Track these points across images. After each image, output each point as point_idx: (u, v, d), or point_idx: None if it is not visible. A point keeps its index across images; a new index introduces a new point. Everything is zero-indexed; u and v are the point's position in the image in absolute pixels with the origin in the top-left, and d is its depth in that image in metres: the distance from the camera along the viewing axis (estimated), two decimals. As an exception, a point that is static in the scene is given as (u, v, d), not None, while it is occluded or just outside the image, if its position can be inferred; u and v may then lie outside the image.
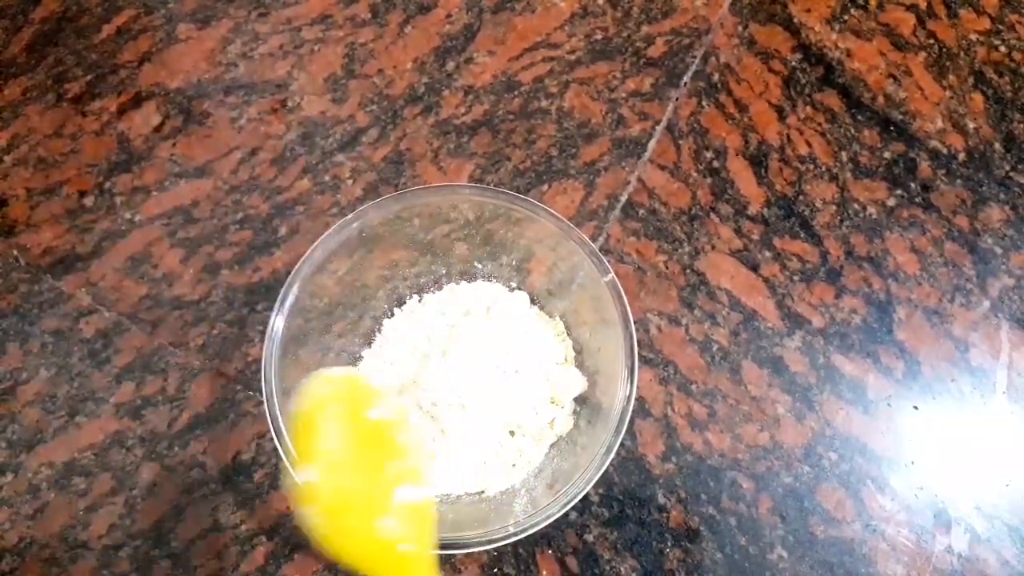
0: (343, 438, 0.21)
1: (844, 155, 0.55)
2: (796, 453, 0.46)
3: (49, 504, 0.44)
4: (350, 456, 0.21)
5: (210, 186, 0.54)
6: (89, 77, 0.57)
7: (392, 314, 0.48)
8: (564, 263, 0.45)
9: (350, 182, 0.54)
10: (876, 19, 0.61)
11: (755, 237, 0.52)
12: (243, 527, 0.44)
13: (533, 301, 0.48)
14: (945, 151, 0.56)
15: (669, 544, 0.44)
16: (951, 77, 0.58)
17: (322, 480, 0.22)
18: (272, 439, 0.38)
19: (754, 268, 0.51)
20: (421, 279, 0.48)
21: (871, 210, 0.53)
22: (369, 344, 0.47)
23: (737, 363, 0.48)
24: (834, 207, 0.53)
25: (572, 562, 0.43)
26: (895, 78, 0.58)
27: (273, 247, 0.52)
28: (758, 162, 0.55)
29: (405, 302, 0.48)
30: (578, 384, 0.45)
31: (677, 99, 0.57)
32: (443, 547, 0.36)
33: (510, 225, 0.46)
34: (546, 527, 0.37)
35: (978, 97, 0.58)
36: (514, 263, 0.48)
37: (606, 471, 0.38)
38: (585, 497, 0.39)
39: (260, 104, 0.57)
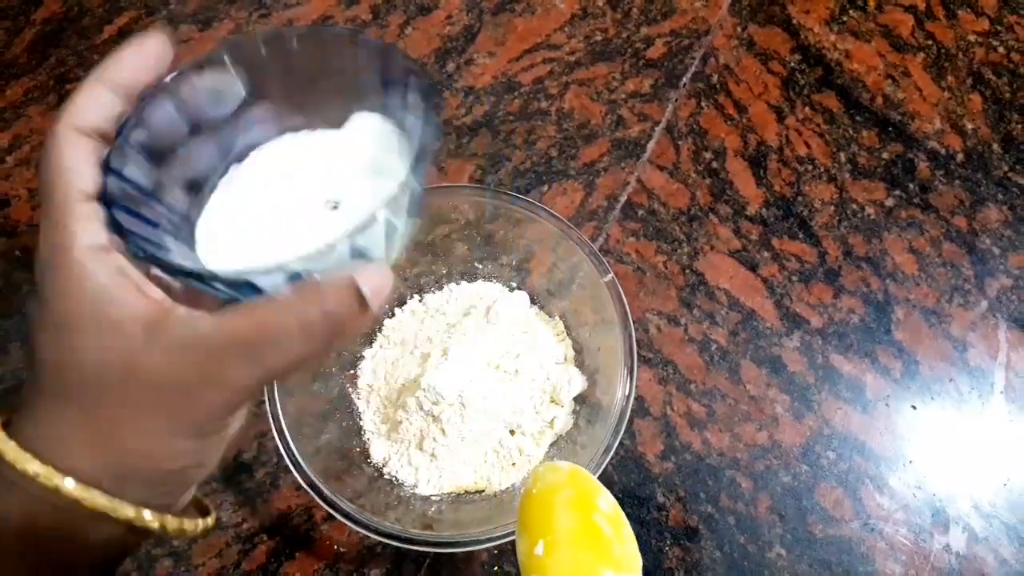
0: (570, 522, 0.24)
1: (843, 156, 0.55)
2: (795, 452, 0.46)
3: (51, 503, 0.44)
4: (574, 538, 0.24)
5: (211, 186, 0.54)
6: (91, 78, 0.58)
7: (392, 314, 0.48)
8: (564, 263, 0.46)
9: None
10: (875, 20, 0.61)
11: (754, 237, 0.52)
12: (244, 525, 0.44)
13: (533, 301, 0.49)
14: (943, 152, 0.56)
15: (668, 543, 0.44)
16: (949, 78, 0.59)
17: (547, 556, 0.25)
18: (273, 438, 0.38)
19: (753, 268, 0.52)
20: (421, 279, 0.49)
21: (869, 210, 0.54)
22: (370, 344, 0.47)
23: (736, 363, 0.49)
24: (832, 207, 0.54)
25: (572, 561, 0.44)
26: (894, 79, 0.58)
27: (274, 247, 0.52)
28: (757, 163, 0.55)
29: (405, 302, 0.48)
30: (578, 383, 0.45)
31: (676, 100, 0.57)
32: (443, 546, 0.37)
33: (510, 225, 0.46)
34: (546, 526, 0.37)
35: (976, 98, 0.58)
36: (514, 263, 0.48)
37: (605, 470, 0.39)
38: (585, 496, 0.39)
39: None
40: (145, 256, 0.19)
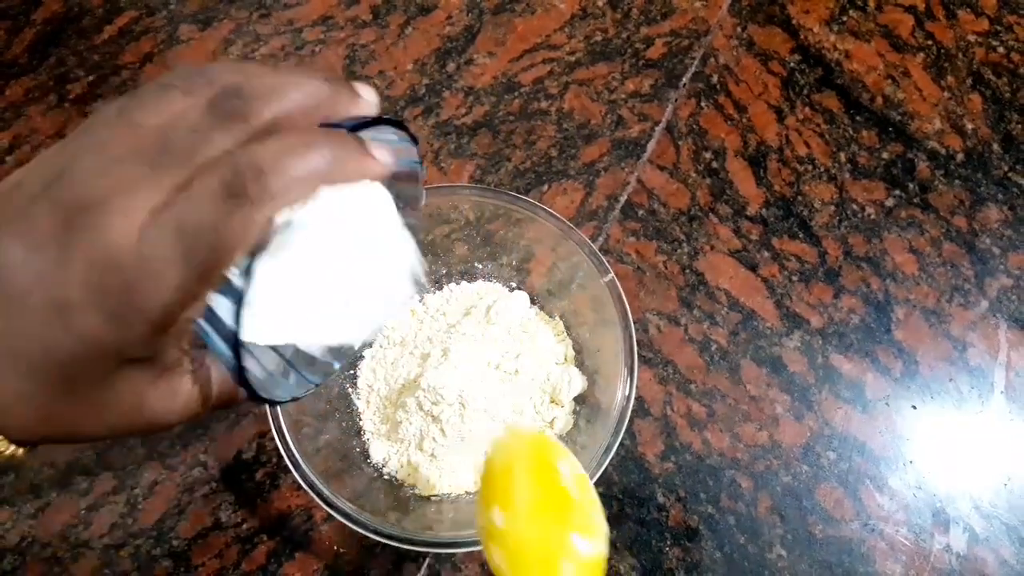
0: (530, 490, 0.23)
1: (843, 156, 0.55)
2: (795, 452, 0.46)
3: (51, 503, 0.44)
4: (535, 507, 0.23)
5: (211, 187, 0.54)
6: (91, 78, 0.58)
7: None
8: (564, 263, 0.46)
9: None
10: (875, 20, 0.61)
11: (754, 237, 0.52)
12: (244, 526, 0.44)
13: (533, 301, 0.48)
14: (943, 152, 0.56)
15: (668, 543, 0.44)
16: (949, 78, 0.59)
17: (507, 525, 0.23)
18: (273, 438, 0.38)
19: (753, 268, 0.51)
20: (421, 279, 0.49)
21: (869, 210, 0.54)
22: (370, 344, 0.47)
23: (736, 363, 0.49)
24: (833, 207, 0.54)
25: (572, 561, 0.43)
26: (893, 79, 0.59)
27: (274, 247, 0.52)
28: (757, 163, 0.55)
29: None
30: (578, 384, 0.45)
31: (676, 100, 0.57)
32: (443, 546, 0.37)
33: (510, 225, 0.46)
34: (546, 526, 0.37)
35: (976, 98, 0.58)
36: (514, 263, 0.48)
37: (605, 470, 0.38)
38: (585, 496, 0.39)
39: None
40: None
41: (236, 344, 0.19)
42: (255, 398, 0.21)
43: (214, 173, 0.17)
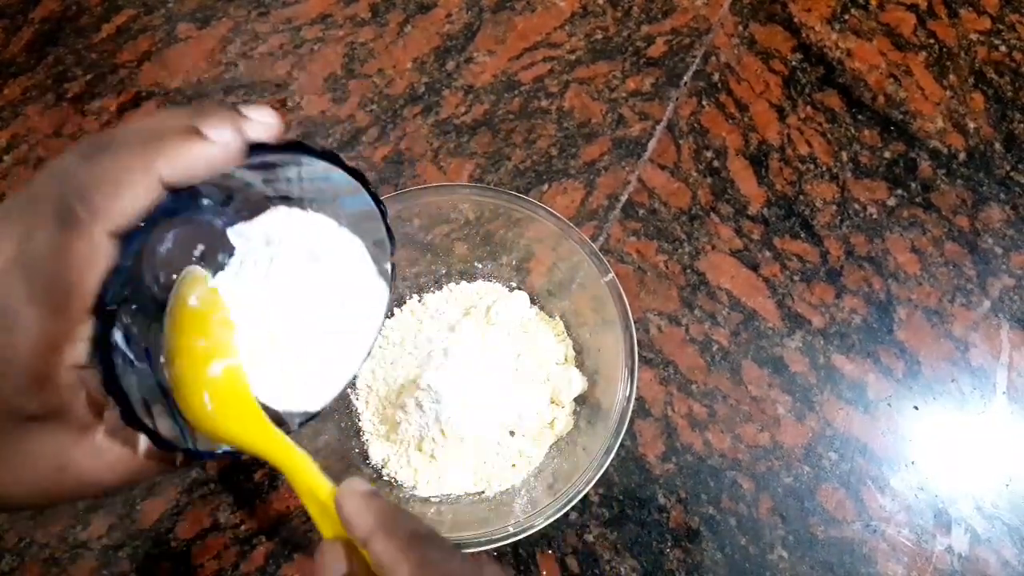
0: (173, 327, 0.22)
1: (844, 155, 0.55)
2: (796, 453, 0.46)
3: (49, 504, 0.44)
4: (178, 342, 0.23)
5: (210, 186, 0.54)
6: (89, 77, 0.57)
7: (392, 314, 0.48)
8: (564, 263, 0.45)
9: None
10: (876, 19, 0.61)
11: (755, 237, 0.52)
12: (243, 527, 0.44)
13: (533, 301, 0.48)
14: (945, 151, 0.56)
15: (669, 544, 0.44)
16: (951, 77, 0.58)
17: (166, 365, 0.23)
18: (272, 439, 0.38)
19: (754, 268, 0.51)
20: (421, 279, 0.48)
21: (871, 210, 0.53)
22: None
23: (737, 363, 0.48)
24: (834, 207, 0.53)
25: (572, 562, 0.43)
26: (895, 78, 0.58)
27: (273, 247, 0.52)
28: (758, 162, 0.55)
29: (405, 302, 0.48)
30: (578, 384, 0.45)
31: (677, 99, 0.57)
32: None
33: (510, 225, 0.46)
34: (546, 527, 0.37)
35: (978, 97, 0.58)
36: (514, 263, 0.48)
37: (606, 471, 0.38)
38: (585, 497, 0.39)
39: (260, 104, 0.56)
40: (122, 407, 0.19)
41: (119, 392, 0.19)
42: (189, 453, 0.21)
43: (45, 206, 0.17)
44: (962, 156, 0.55)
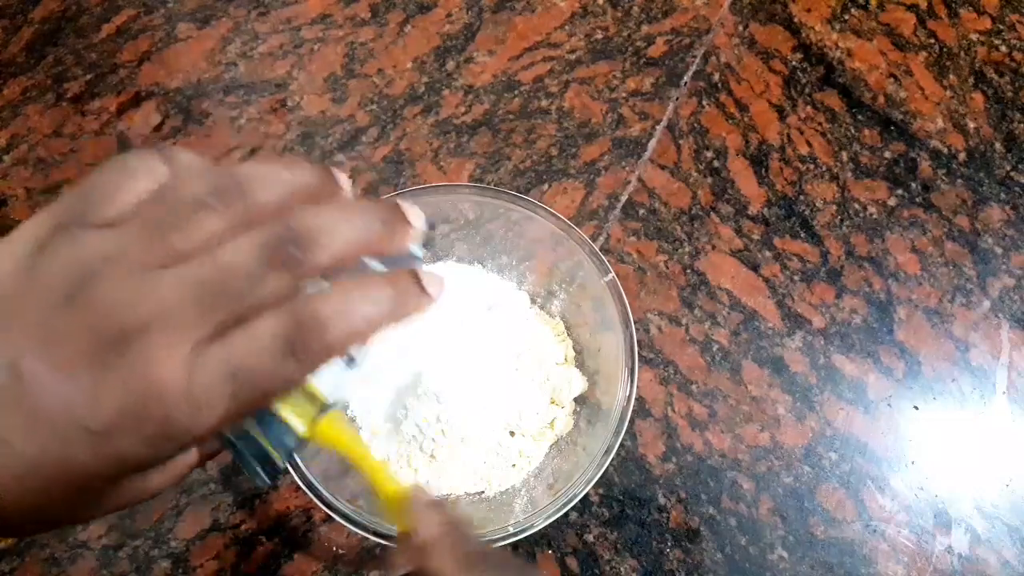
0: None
1: (844, 155, 0.55)
2: (796, 453, 0.46)
3: (49, 504, 0.44)
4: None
5: (210, 186, 0.53)
6: (89, 77, 0.57)
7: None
8: (564, 263, 0.45)
9: (350, 182, 0.54)
10: (876, 19, 0.61)
11: (756, 237, 0.52)
12: (243, 527, 0.44)
13: (533, 301, 0.48)
14: (945, 151, 0.56)
15: (669, 544, 0.44)
16: (951, 77, 0.58)
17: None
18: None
19: (755, 268, 0.51)
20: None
21: (872, 210, 0.53)
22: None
23: (737, 363, 0.48)
24: (835, 207, 0.53)
25: (572, 562, 0.43)
26: (896, 78, 0.58)
27: (273, 247, 0.52)
28: (759, 162, 0.55)
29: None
30: (578, 384, 0.44)
31: (677, 99, 0.57)
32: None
33: (510, 225, 0.46)
34: (546, 527, 0.37)
35: (978, 97, 0.58)
36: (514, 263, 0.48)
37: (606, 471, 0.38)
38: (585, 497, 0.39)
39: (260, 104, 0.57)
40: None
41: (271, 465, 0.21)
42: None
43: (275, 321, 0.18)
44: (962, 156, 0.55)
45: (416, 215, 0.21)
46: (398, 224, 0.21)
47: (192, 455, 0.21)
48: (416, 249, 0.22)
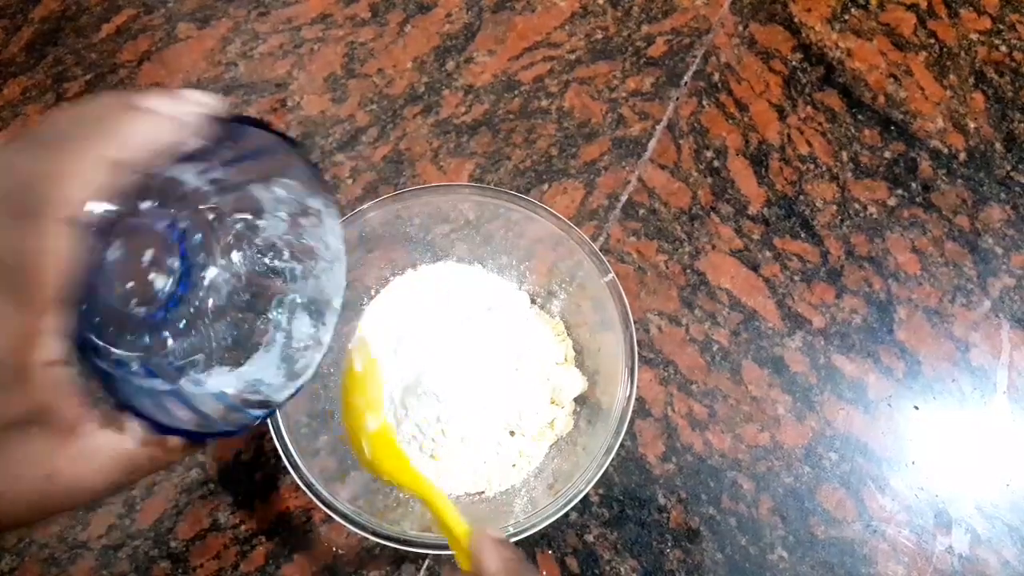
0: (347, 385, 0.28)
1: (845, 155, 0.55)
2: (796, 453, 0.46)
3: (48, 504, 0.44)
4: (349, 398, 0.29)
5: (210, 186, 0.54)
6: (89, 76, 0.57)
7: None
8: (564, 263, 0.45)
9: (350, 181, 0.54)
10: (877, 19, 0.61)
11: (756, 237, 0.52)
12: (243, 527, 0.44)
13: (533, 301, 0.48)
14: (946, 151, 0.56)
15: (669, 544, 0.44)
16: (952, 77, 0.58)
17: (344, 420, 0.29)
18: (272, 439, 0.38)
19: (755, 268, 0.51)
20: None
21: (872, 210, 0.53)
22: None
23: (737, 363, 0.48)
24: (835, 207, 0.53)
25: (572, 562, 0.43)
26: (896, 78, 0.58)
27: (273, 247, 0.52)
28: (759, 162, 0.55)
29: (405, 302, 0.48)
30: (578, 384, 0.44)
31: (677, 99, 0.57)
32: (442, 548, 0.36)
33: (510, 225, 0.46)
34: (546, 527, 0.37)
35: (979, 97, 0.58)
36: (514, 263, 0.48)
37: (606, 471, 0.38)
38: (585, 497, 0.39)
39: (260, 103, 0.57)
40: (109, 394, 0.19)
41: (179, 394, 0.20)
42: (192, 437, 0.21)
43: (1, 197, 0.17)
44: (962, 156, 0.55)
45: (189, 94, 0.20)
46: (130, 110, 0.19)
47: (105, 442, 0.20)
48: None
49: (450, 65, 0.58)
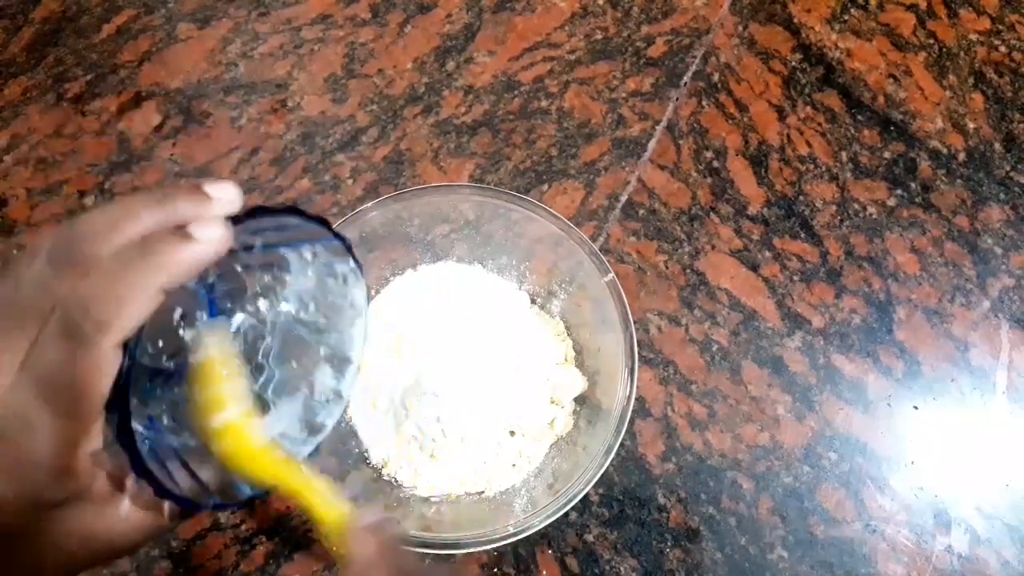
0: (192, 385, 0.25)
1: (844, 155, 0.55)
2: (796, 453, 0.46)
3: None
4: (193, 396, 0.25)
5: (210, 186, 0.54)
6: (89, 77, 0.57)
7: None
8: (564, 263, 0.45)
9: (350, 182, 0.54)
10: (876, 19, 0.61)
11: (755, 237, 0.52)
12: (243, 527, 0.44)
13: (533, 301, 0.48)
14: (945, 151, 0.56)
15: (669, 544, 0.44)
16: (951, 77, 0.58)
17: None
18: (272, 439, 0.38)
19: (754, 268, 0.51)
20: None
21: (871, 210, 0.53)
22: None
23: (737, 363, 0.48)
24: (834, 207, 0.53)
25: (572, 562, 0.43)
26: (895, 78, 0.58)
27: (273, 247, 0.52)
28: (758, 162, 0.55)
29: (405, 302, 0.48)
30: (578, 384, 0.45)
31: (677, 99, 0.57)
32: (442, 547, 0.36)
33: (510, 225, 0.46)
34: (546, 527, 0.37)
35: (978, 97, 0.58)
36: (514, 263, 0.48)
37: (606, 471, 0.38)
38: (585, 497, 0.39)
39: (260, 104, 0.57)
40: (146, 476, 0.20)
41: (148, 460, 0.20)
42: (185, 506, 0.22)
43: (52, 319, 0.18)
44: (962, 156, 0.55)
45: (219, 187, 0.21)
46: (185, 200, 0.20)
47: (135, 506, 0.22)
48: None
49: (450, 65, 0.58)
